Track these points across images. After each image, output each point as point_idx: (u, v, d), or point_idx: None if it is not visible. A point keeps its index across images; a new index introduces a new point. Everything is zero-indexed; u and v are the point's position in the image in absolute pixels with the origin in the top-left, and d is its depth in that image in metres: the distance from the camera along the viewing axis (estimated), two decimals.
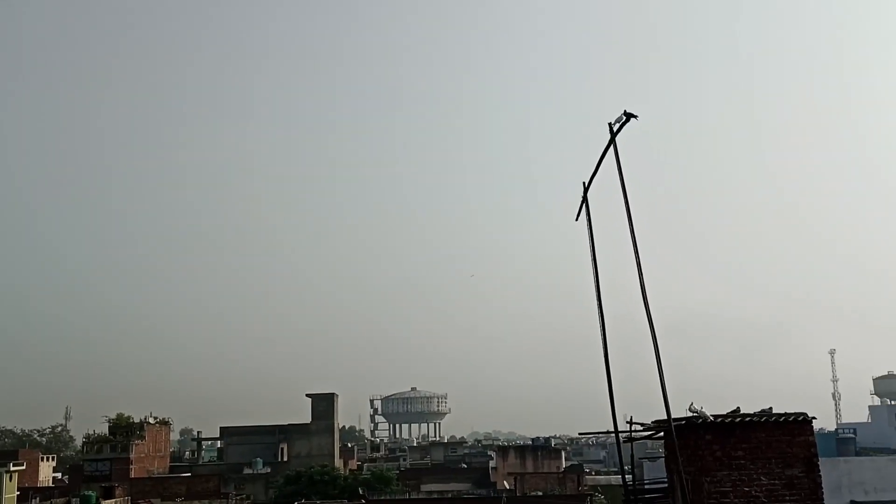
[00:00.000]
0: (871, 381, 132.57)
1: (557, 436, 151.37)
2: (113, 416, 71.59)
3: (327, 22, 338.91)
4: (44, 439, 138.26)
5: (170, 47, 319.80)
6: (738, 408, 16.34)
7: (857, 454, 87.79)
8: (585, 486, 68.68)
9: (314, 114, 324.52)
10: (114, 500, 55.01)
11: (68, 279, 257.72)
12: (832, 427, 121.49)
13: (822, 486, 15.79)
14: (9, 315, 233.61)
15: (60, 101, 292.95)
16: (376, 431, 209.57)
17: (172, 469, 77.60)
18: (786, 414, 15.90)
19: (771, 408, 16.29)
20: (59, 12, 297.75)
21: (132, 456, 68.20)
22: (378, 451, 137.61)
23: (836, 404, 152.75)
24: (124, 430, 70.20)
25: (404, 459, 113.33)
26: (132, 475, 66.09)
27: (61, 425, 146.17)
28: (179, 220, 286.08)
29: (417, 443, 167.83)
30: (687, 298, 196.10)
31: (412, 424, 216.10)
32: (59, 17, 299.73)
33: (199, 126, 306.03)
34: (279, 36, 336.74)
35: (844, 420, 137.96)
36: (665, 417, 15.09)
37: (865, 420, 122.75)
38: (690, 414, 16.10)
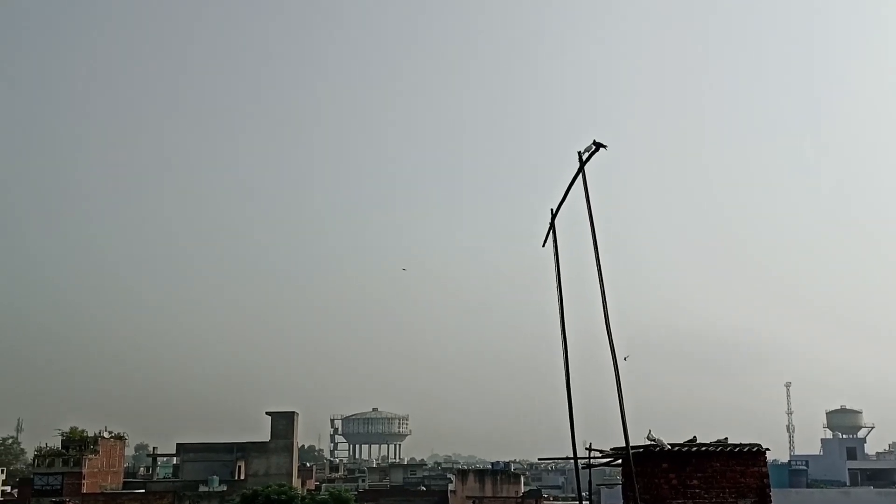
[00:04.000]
0: (825, 415, 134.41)
1: (517, 460, 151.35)
2: (66, 429, 70.47)
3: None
4: None
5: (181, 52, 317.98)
6: (695, 437, 16.57)
7: (809, 486, 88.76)
8: None
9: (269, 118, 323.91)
10: None
11: (23, 289, 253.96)
12: (786, 458, 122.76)
13: None
14: None
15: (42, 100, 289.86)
16: (336, 451, 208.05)
17: (126, 485, 76.36)
18: (740, 444, 16.14)
19: (727, 438, 16.54)
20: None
21: (85, 471, 67.11)
22: (337, 471, 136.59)
23: (790, 436, 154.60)
24: (77, 444, 69.06)
25: (363, 480, 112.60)
26: (84, 490, 65.03)
27: (12, 437, 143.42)
28: (142, 232, 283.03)
29: (377, 464, 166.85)
30: (648, 326, 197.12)
31: (372, 445, 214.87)
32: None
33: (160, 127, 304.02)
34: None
35: (798, 452, 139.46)
36: (623, 445, 15.26)
37: (818, 453, 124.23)
38: (648, 442, 16.28)
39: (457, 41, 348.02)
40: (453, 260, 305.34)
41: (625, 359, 15.08)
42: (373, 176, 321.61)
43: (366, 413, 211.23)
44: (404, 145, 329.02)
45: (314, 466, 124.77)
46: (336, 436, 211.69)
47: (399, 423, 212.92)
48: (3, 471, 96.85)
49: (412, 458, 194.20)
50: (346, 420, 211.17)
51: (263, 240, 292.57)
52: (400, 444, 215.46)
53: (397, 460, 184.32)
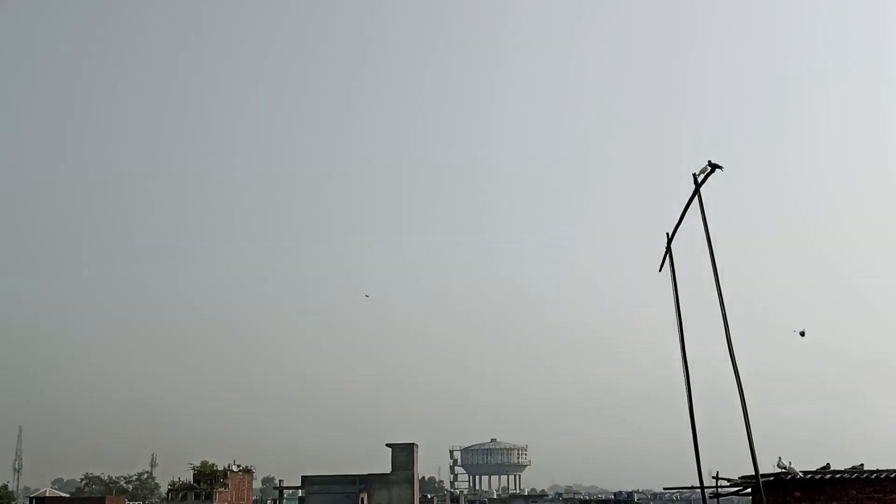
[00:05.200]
0: None
1: (640, 490, 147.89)
2: (197, 463, 72.72)
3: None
4: (130, 486, 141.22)
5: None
6: (828, 464, 16.01)
7: None
8: None
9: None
10: None
11: (157, 329, 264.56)
12: None
13: None
14: (98, 364, 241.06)
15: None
16: (456, 483, 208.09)
17: None
18: (878, 471, 15.50)
19: (862, 464, 15.91)
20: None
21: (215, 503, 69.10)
22: (458, 502, 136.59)
23: None
24: (208, 477, 71.15)
25: None
26: None
27: (147, 472, 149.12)
28: (260, 272, 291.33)
29: (498, 495, 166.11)
30: (774, 349, 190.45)
31: (492, 476, 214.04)
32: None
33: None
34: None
35: None
36: (752, 473, 14.85)
37: None
38: (779, 469, 15.82)
39: (566, 65, 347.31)
40: (569, 287, 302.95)
41: (801, 334, 14.73)
42: (480, 207, 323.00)
43: (484, 444, 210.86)
44: (513, 170, 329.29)
45: (435, 498, 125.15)
46: (456, 467, 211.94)
47: (518, 454, 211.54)
48: None
49: (532, 489, 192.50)
50: (466, 451, 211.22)
51: (383, 278, 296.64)
52: (519, 475, 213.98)
53: (518, 491, 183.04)
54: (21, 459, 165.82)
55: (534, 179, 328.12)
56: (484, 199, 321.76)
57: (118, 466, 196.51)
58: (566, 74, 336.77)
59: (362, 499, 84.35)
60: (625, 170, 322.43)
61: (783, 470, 15.72)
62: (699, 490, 16.74)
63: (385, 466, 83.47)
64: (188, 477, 72.13)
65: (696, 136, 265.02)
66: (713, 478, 17.83)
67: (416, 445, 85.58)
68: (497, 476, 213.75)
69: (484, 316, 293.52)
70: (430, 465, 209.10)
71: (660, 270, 17.14)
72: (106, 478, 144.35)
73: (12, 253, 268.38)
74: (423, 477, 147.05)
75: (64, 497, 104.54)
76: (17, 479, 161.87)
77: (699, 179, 15.15)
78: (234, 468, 74.86)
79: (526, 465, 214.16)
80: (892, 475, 15.63)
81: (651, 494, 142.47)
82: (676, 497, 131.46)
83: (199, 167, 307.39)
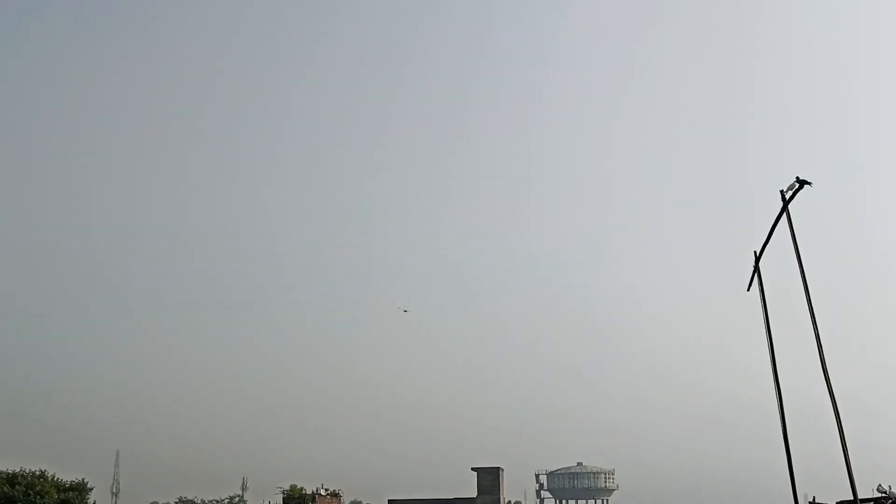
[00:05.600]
0: None
1: None
2: (287, 487, 73.81)
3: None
4: None
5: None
6: None
7: None
8: None
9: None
10: None
11: (248, 356, 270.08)
12: None
13: None
14: (191, 390, 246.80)
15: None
16: None
17: None
18: None
19: None
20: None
21: None
22: None
23: None
24: (297, 501, 72.14)
25: None
26: None
27: (238, 496, 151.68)
28: (349, 295, 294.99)
29: None
30: (871, 369, 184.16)
31: (579, 500, 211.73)
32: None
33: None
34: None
35: None
36: (850, 498, 14.44)
37: None
38: (878, 494, 15.36)
39: (658, 84, 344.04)
40: (655, 310, 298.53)
41: None
42: (570, 236, 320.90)
43: (571, 467, 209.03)
44: (587, 191, 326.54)
45: None
46: (542, 491, 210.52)
47: (605, 478, 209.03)
48: None
49: None
50: (551, 475, 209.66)
51: (462, 298, 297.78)
52: (607, 499, 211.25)
53: None
54: (118, 483, 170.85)
55: (611, 201, 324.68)
56: (561, 223, 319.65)
57: (210, 490, 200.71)
58: (641, 85, 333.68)
59: None
60: (714, 188, 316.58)
61: (883, 494, 15.25)
62: None
63: (471, 490, 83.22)
64: (278, 500, 73.29)
65: (784, 152, 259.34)
66: (809, 503, 17.37)
67: (502, 469, 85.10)
68: (584, 500, 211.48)
69: (570, 342, 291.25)
70: (516, 489, 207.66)
71: (748, 290, 16.89)
72: (199, 501, 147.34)
73: (114, 280, 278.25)
74: (509, 501, 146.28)
75: None
76: (115, 502, 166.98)
77: (787, 196, 14.87)
78: (322, 492, 75.70)
79: (614, 490, 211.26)
80: None
81: None
82: None
83: (223, 172, 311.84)
